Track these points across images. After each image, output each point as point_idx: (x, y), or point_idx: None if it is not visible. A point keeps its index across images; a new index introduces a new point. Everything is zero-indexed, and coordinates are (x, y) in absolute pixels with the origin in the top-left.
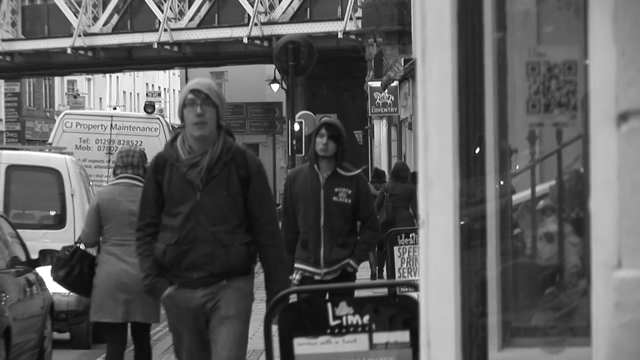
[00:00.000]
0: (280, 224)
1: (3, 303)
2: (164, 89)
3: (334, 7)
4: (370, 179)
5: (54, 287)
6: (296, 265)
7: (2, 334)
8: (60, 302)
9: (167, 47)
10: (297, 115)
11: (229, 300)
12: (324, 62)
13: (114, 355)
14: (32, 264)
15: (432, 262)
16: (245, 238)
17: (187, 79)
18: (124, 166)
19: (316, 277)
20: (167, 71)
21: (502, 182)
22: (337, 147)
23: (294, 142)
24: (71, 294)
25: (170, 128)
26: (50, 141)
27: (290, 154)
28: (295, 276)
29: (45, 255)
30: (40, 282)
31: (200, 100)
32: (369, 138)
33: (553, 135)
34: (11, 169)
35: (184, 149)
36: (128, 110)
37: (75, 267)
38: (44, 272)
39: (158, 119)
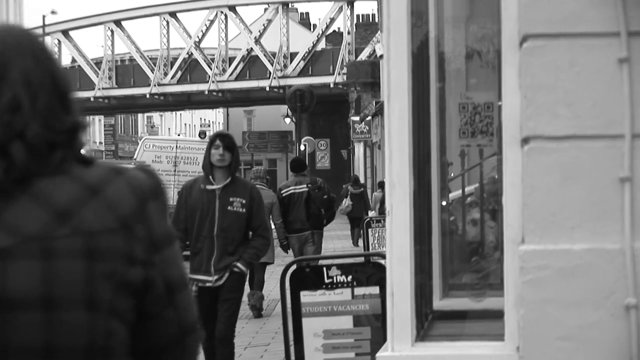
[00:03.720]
0: None
1: None
2: (212, 121)
3: (327, 66)
4: (350, 183)
5: None
6: (190, 275)
7: None
8: None
9: (214, 93)
10: (302, 139)
11: None
12: (321, 103)
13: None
14: None
15: (395, 239)
16: None
17: (228, 115)
18: (255, 178)
19: (207, 285)
20: (214, 110)
21: (442, 185)
22: (232, 157)
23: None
24: None
25: None
26: (135, 157)
27: None
28: (193, 287)
29: None
30: None
31: None
32: (351, 155)
33: (477, 153)
34: None
35: None
36: (188, 136)
37: None
38: None
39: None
